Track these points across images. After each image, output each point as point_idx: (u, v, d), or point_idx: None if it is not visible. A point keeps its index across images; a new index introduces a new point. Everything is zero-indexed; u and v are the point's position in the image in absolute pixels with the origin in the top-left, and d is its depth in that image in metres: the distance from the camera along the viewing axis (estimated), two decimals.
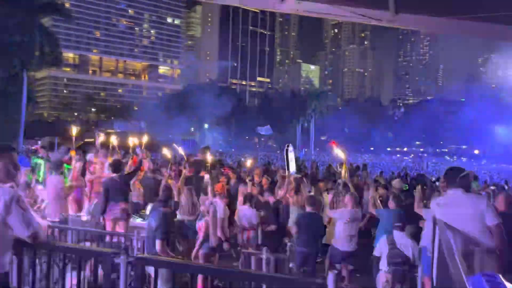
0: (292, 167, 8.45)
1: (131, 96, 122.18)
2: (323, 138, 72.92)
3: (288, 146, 9.69)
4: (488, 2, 6.55)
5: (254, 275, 2.44)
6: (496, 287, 2.65)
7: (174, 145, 9.82)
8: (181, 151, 9.45)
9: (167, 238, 5.16)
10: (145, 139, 10.48)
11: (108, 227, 6.62)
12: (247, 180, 8.39)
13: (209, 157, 8.93)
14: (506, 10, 6.35)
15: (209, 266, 2.78)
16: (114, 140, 10.21)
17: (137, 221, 7.13)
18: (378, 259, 5.50)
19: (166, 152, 10.96)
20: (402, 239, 5.38)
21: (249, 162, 13.33)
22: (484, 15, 6.76)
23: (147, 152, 9.71)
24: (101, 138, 10.68)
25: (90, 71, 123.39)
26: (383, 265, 5.31)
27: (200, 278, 5.50)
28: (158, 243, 4.92)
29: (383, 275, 5.28)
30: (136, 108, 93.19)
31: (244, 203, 6.86)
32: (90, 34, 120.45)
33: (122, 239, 5.57)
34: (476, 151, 59.77)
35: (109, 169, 7.63)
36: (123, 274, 2.56)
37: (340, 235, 6.26)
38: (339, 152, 8.03)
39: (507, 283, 2.74)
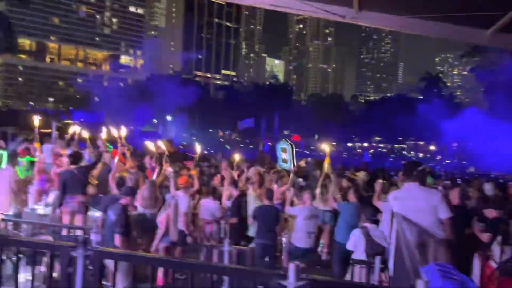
0: (288, 162, 8.15)
1: (92, 86, 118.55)
2: (286, 132, 73.50)
3: (286, 140, 9.16)
4: (447, 3, 6.77)
5: (215, 267, 2.43)
6: (447, 275, 2.78)
7: (159, 141, 9.30)
8: (163, 146, 9.03)
9: (127, 232, 5.07)
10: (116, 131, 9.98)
11: (66, 221, 6.42)
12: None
13: (171, 150, 8.81)
14: (464, 11, 6.61)
15: (169, 258, 2.75)
16: (85, 132, 9.68)
17: (96, 214, 6.95)
18: (350, 252, 5.56)
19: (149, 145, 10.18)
20: (375, 231, 5.44)
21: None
22: (443, 15, 7.00)
23: (128, 145, 9.30)
24: (75, 129, 9.93)
25: (48, 59, 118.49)
26: (360, 256, 5.37)
27: (160, 271, 5.45)
28: (117, 237, 4.82)
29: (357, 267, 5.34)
30: (96, 99, 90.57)
31: (207, 196, 6.82)
32: (48, 20, 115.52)
33: (80, 233, 5.41)
34: (432, 147, 62.11)
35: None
36: (80, 268, 2.48)
37: (298, 231, 6.34)
38: (325, 146, 8.01)
39: (458, 272, 2.88)
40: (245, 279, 2.06)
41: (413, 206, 3.80)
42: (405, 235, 3.38)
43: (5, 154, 7.76)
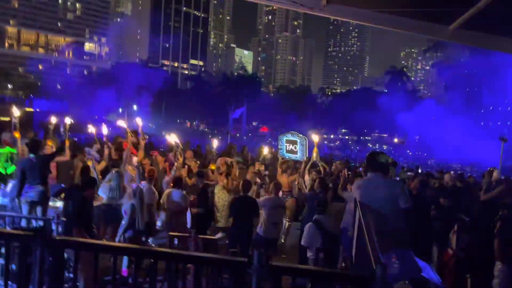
0: (298, 153, 8.12)
1: (54, 73, 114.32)
2: (254, 123, 73.70)
3: (297, 134, 9.05)
4: None
5: (180, 255, 2.42)
6: (406, 261, 2.89)
7: (172, 135, 9.05)
8: (175, 139, 8.79)
9: (86, 223, 4.97)
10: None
11: (25, 211, 6.20)
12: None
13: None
14: (427, 7, 6.80)
15: (131, 246, 2.71)
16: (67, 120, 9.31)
17: (57, 204, 6.75)
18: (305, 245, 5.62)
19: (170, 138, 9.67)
20: (327, 222, 5.53)
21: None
22: (407, 10, 7.18)
23: (144, 135, 9.03)
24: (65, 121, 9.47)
25: (7, 44, 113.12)
26: (313, 250, 5.46)
27: (124, 264, 5.38)
28: (74, 230, 4.74)
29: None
30: (59, 87, 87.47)
31: (174, 186, 6.76)
32: (8, 3, 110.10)
33: (40, 223, 5.25)
34: (396, 140, 63.84)
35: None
36: (39, 258, 2.41)
37: (264, 222, 6.38)
38: (314, 136, 8.09)
39: (417, 259, 2.99)
40: (210, 267, 2.07)
41: (375, 195, 3.91)
42: (368, 223, 3.47)
43: None
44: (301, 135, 8.43)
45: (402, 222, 3.79)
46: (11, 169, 7.74)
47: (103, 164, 8.01)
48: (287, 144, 7.84)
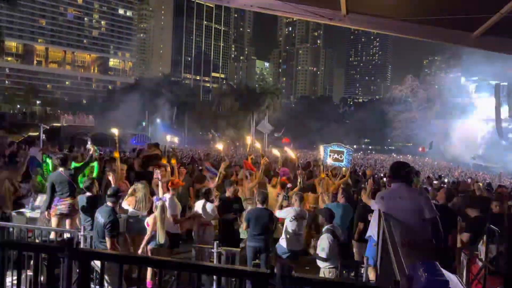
0: (344, 161, 8.49)
1: (80, 88, 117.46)
2: (277, 135, 73.68)
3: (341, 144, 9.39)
4: (433, 6, 6.88)
5: (203, 266, 2.44)
6: (433, 273, 2.82)
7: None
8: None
9: (117, 234, 5.05)
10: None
11: (54, 223, 6.35)
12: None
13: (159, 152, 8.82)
14: (450, 14, 6.72)
15: (157, 258, 2.74)
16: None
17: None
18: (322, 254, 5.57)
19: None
20: (338, 230, 5.50)
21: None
22: (429, 18, 7.11)
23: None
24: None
25: (35, 62, 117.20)
26: (334, 262, 5.40)
27: (148, 274, 5.42)
28: (108, 241, 4.82)
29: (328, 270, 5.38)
30: (84, 102, 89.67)
31: (201, 198, 6.81)
32: (36, 22, 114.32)
33: (68, 235, 5.37)
34: (420, 149, 62.79)
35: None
36: (66, 269, 2.47)
37: (286, 233, 6.34)
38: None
39: (443, 270, 2.92)
40: (233, 278, 2.08)
41: (399, 205, 3.86)
42: (392, 234, 3.41)
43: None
44: (347, 146, 8.73)
45: (427, 233, 3.72)
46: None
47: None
48: (332, 154, 7.96)
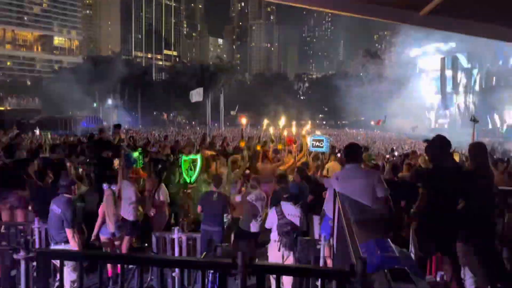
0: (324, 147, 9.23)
1: (23, 69, 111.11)
2: (233, 113, 73.50)
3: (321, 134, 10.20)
4: None
5: (164, 260, 2.45)
6: (385, 250, 2.98)
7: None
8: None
9: (78, 225, 4.94)
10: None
11: (5, 217, 6.09)
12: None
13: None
14: None
15: (116, 254, 2.72)
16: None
17: None
18: (270, 230, 5.64)
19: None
20: (290, 210, 5.53)
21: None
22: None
23: None
24: None
25: None
26: (274, 235, 5.50)
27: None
28: (69, 232, 4.70)
29: (274, 244, 5.47)
30: (29, 83, 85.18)
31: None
32: None
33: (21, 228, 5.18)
34: (373, 122, 64.91)
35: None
36: (23, 270, 2.42)
37: (245, 215, 6.46)
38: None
39: (394, 246, 3.09)
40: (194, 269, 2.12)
41: (353, 185, 4.04)
42: (347, 214, 3.57)
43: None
44: (326, 135, 9.75)
45: (380, 211, 3.93)
46: (195, 177, 7.88)
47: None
48: (314, 142, 9.11)
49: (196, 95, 26.53)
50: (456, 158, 8.83)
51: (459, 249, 4.12)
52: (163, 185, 6.83)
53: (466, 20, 7.91)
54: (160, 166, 8.29)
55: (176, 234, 4.77)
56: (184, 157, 8.09)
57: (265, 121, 11.47)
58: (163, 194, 6.74)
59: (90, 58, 79.81)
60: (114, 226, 5.41)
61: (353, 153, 4.24)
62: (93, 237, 5.67)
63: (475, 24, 7.99)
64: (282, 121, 11.32)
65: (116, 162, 6.64)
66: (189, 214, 7.84)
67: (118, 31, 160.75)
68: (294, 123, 11.27)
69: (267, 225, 5.66)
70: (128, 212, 6.20)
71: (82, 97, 55.68)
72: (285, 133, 11.09)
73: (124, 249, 5.75)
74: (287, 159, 8.95)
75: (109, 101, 64.90)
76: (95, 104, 61.93)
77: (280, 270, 2.24)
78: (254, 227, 6.36)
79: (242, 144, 10.21)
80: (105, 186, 5.70)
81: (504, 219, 5.20)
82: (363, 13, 8.29)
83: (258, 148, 9.99)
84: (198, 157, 7.91)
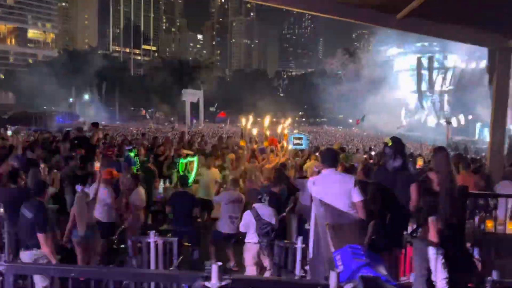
0: (303, 145, 9.43)
1: None
2: (212, 109, 73.09)
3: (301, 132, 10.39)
4: None
5: (135, 273, 2.41)
6: (359, 256, 3.01)
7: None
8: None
9: (50, 229, 4.82)
10: None
11: None
12: None
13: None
14: None
15: (86, 268, 2.67)
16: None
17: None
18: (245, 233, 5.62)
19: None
20: (264, 211, 5.51)
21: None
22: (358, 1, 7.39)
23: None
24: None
25: None
26: (252, 238, 5.47)
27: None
28: (41, 237, 4.58)
29: (253, 246, 5.45)
30: (3, 77, 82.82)
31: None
32: None
33: None
34: (350, 120, 65.59)
35: None
36: None
37: (222, 217, 6.45)
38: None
39: (370, 252, 3.13)
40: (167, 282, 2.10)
41: (329, 190, 4.07)
42: (322, 219, 3.60)
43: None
44: (305, 133, 10.38)
45: (356, 216, 3.97)
46: (192, 179, 8.03)
47: None
48: (294, 140, 9.50)
49: (190, 95, 26.46)
50: (420, 162, 9.14)
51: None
52: (140, 187, 6.74)
53: (439, 24, 8.08)
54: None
55: (151, 238, 4.72)
56: (182, 160, 8.15)
57: (249, 120, 11.24)
58: (139, 197, 6.65)
59: (66, 52, 77.84)
60: (84, 229, 5.31)
61: (329, 158, 4.27)
62: (64, 239, 5.56)
63: (447, 28, 8.17)
64: (266, 120, 11.26)
65: (97, 164, 6.56)
66: None
67: (95, 25, 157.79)
68: (276, 121, 11.43)
69: (242, 229, 5.59)
70: (102, 214, 6.12)
71: (57, 92, 54.30)
72: (268, 132, 11.08)
73: (97, 252, 5.66)
74: (272, 158, 8.98)
75: (86, 96, 63.69)
76: (71, 99, 60.58)
77: (257, 282, 2.24)
78: (230, 228, 6.36)
79: (243, 144, 10.14)
80: (78, 187, 5.59)
81: (475, 221, 5.33)
82: (341, 15, 8.39)
83: (243, 143, 10.01)
84: (195, 159, 7.97)
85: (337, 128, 65.22)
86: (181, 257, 4.90)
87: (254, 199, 5.91)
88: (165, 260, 4.88)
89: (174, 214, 6.28)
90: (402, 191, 4.30)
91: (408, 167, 4.59)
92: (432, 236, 4.04)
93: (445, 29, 8.13)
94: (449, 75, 57.20)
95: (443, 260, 4.10)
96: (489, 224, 5.34)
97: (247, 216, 5.50)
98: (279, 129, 11.16)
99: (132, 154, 8.57)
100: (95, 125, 10.74)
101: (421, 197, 4.23)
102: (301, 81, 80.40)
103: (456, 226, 4.28)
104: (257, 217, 5.36)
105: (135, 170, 8.18)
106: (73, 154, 8.56)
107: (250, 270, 5.39)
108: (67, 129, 16.61)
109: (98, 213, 5.92)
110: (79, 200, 5.36)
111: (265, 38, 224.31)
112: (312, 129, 54.85)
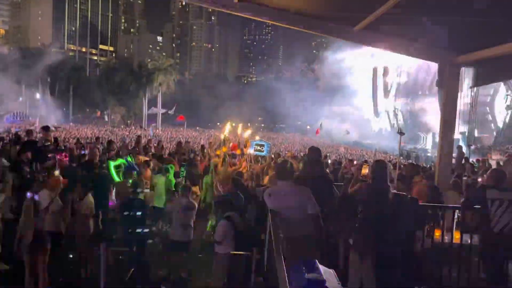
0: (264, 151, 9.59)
1: None
2: (170, 112, 72.07)
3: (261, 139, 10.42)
4: (319, 2, 7.29)
5: None
6: (312, 271, 3.03)
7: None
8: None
9: None
10: None
11: None
12: None
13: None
14: (334, 10, 7.18)
15: None
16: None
17: None
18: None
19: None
20: (238, 220, 5.57)
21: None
22: (314, 12, 7.51)
23: None
24: None
25: None
26: (223, 249, 5.47)
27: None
28: None
29: (225, 257, 5.46)
30: None
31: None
32: None
33: None
34: (308, 127, 66.78)
35: None
36: None
37: (174, 225, 6.38)
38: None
39: (322, 267, 3.15)
40: None
41: (284, 202, 4.08)
42: (276, 230, 3.59)
43: None
44: (266, 141, 10.26)
45: (310, 228, 3.99)
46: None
47: None
48: (256, 146, 9.51)
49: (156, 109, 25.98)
50: (365, 170, 9.36)
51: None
52: (89, 195, 6.44)
53: (394, 39, 8.38)
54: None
55: (102, 249, 4.54)
56: (111, 163, 7.95)
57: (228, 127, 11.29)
58: (87, 206, 6.37)
59: (17, 49, 74.23)
60: (31, 238, 5.08)
61: (284, 171, 4.27)
62: (14, 249, 5.31)
63: (401, 43, 8.48)
64: (227, 127, 11.13)
65: (56, 172, 6.28)
66: None
67: (49, 22, 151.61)
68: (237, 126, 11.39)
69: (219, 238, 5.50)
70: (48, 223, 5.85)
71: (6, 91, 51.66)
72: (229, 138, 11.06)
73: (42, 262, 5.40)
74: (239, 164, 9.05)
75: (37, 96, 61.03)
76: (20, 99, 57.77)
77: None
78: (183, 236, 6.28)
79: (224, 150, 9.77)
80: (28, 194, 5.35)
81: (424, 231, 5.51)
82: (299, 26, 8.50)
83: (224, 149, 9.82)
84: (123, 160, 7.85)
85: (294, 134, 66.21)
86: (132, 269, 4.73)
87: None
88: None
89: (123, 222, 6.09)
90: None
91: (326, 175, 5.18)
92: None
93: (399, 44, 8.43)
94: (403, 84, 59.42)
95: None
96: (437, 234, 5.54)
97: (224, 226, 5.49)
98: (242, 135, 11.16)
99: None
100: (45, 129, 10.16)
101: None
102: (261, 87, 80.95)
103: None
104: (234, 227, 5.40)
105: (136, 175, 8.09)
106: (22, 159, 8.14)
107: None
108: (16, 129, 15.87)
109: (45, 222, 5.65)
110: (27, 208, 5.13)
111: (226, 43, 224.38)
112: (272, 135, 55.37)
